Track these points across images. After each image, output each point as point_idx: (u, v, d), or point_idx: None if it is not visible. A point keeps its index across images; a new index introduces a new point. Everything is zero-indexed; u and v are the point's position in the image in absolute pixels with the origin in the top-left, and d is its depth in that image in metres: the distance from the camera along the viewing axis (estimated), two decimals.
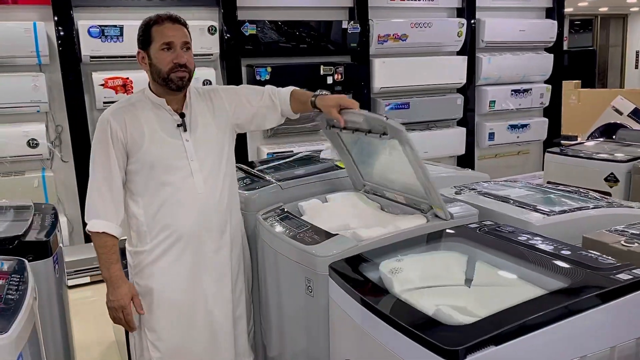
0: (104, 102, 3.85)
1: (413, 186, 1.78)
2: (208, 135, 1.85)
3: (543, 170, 5.83)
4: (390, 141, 1.70)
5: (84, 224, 1.78)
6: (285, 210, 1.98)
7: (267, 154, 4.37)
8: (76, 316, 2.52)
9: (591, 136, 4.54)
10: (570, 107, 6.81)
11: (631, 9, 10.96)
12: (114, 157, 1.74)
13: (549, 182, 3.23)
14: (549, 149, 3.40)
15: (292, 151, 4.35)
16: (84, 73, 3.92)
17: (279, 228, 1.81)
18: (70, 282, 3.71)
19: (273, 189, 2.15)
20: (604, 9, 10.80)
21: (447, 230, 1.64)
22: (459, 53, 5.13)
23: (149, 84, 1.84)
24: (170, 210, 1.79)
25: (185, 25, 1.78)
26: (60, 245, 2.15)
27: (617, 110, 4.37)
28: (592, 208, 1.84)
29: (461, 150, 5.24)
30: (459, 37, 5.01)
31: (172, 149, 1.78)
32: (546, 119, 5.68)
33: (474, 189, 2.11)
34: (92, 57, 3.82)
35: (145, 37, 1.75)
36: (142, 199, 1.80)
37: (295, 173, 2.34)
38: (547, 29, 5.48)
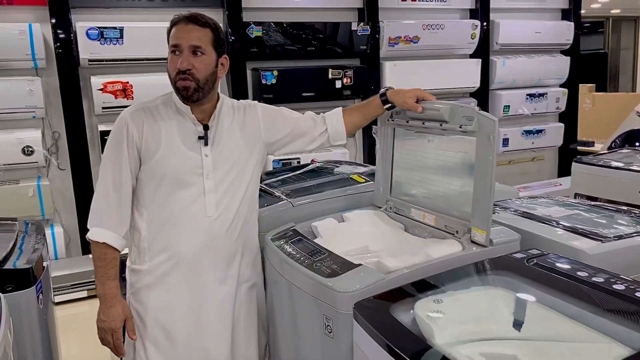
0: (103, 108, 3.69)
1: (456, 200, 1.60)
2: (231, 153, 1.66)
3: (559, 177, 5.70)
4: (461, 139, 1.58)
5: (82, 235, 1.60)
6: (298, 231, 1.77)
7: (273, 160, 4.18)
8: (71, 334, 2.33)
9: (613, 143, 4.32)
10: (585, 111, 6.60)
11: None
12: (126, 161, 1.58)
13: (576, 194, 3.01)
14: (576, 158, 3.17)
15: (298, 158, 4.17)
16: (82, 77, 3.74)
17: (291, 254, 1.60)
18: (66, 297, 3.54)
19: (283, 206, 1.95)
20: (615, 11, 10.59)
21: (490, 262, 1.42)
22: (472, 56, 4.96)
23: None
24: (172, 230, 1.61)
25: (205, 25, 1.57)
26: (46, 264, 1.94)
27: None
28: None
29: None
30: (473, 39, 4.85)
31: (187, 162, 1.60)
32: (562, 125, 5.50)
33: (508, 208, 1.89)
34: (90, 60, 3.64)
35: (168, 39, 1.61)
36: (147, 212, 1.63)
37: (306, 187, 2.14)
38: (564, 31, 5.32)
